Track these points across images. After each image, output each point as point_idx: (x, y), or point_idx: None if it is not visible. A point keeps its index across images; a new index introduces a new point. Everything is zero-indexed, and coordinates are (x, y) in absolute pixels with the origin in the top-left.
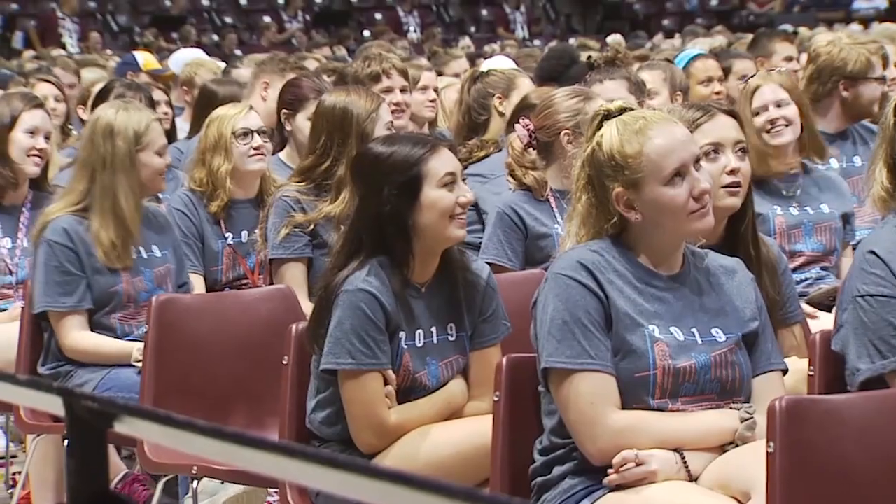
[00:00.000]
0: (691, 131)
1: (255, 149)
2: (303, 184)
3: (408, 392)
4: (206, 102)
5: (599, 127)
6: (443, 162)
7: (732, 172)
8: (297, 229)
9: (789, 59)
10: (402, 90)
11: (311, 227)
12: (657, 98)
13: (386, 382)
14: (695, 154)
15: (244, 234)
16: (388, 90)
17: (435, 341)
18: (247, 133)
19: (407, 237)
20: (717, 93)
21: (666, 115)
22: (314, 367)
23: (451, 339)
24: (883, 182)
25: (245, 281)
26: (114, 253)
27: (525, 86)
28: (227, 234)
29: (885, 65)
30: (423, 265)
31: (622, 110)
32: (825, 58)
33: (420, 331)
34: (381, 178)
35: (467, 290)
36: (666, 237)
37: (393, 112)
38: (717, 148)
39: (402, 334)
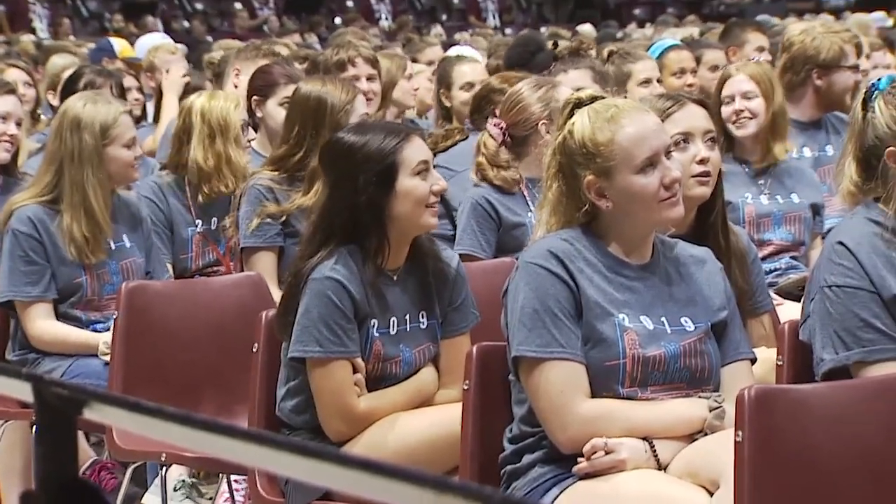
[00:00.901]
0: (662, 121)
1: (248, 141)
2: (276, 173)
3: (379, 380)
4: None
5: (570, 115)
6: (416, 150)
7: (702, 162)
8: (269, 219)
9: (761, 49)
10: (369, 79)
11: (284, 217)
12: None
13: (355, 370)
14: (666, 143)
15: (214, 220)
16: (355, 78)
17: (408, 329)
18: (245, 126)
19: (382, 225)
20: (690, 85)
21: (637, 105)
22: (284, 356)
23: (422, 326)
24: (852, 176)
25: (215, 268)
26: (87, 248)
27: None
28: (197, 222)
29: (859, 54)
30: (395, 253)
31: (593, 99)
32: (798, 46)
33: (394, 318)
34: (355, 167)
35: (437, 278)
36: (636, 226)
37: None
38: (686, 137)
39: (374, 322)
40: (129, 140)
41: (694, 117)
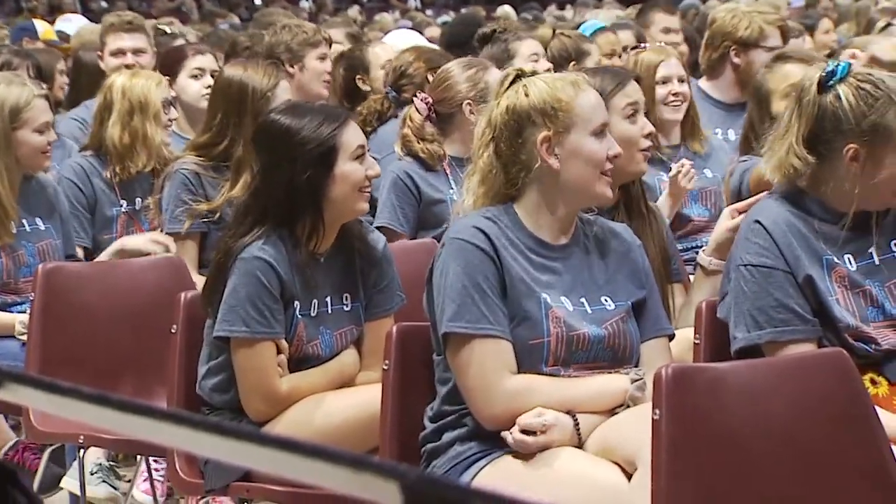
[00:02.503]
0: (615, 93)
1: (170, 120)
2: (201, 159)
3: (300, 361)
4: (83, 71)
5: (511, 85)
6: (354, 134)
7: (648, 136)
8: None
9: (667, 30)
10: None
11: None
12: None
13: (279, 351)
14: (608, 120)
15: (139, 200)
16: (323, 58)
17: (329, 311)
18: (167, 104)
19: (318, 208)
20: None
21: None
22: (207, 334)
23: (345, 308)
24: (801, 154)
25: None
26: None
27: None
28: (122, 201)
29: (785, 38)
30: (326, 236)
31: (534, 74)
32: (718, 23)
33: (315, 300)
34: (293, 148)
35: (363, 260)
36: (566, 200)
37: (325, 82)
38: (636, 110)
39: (297, 304)
40: (42, 125)
41: (638, 91)
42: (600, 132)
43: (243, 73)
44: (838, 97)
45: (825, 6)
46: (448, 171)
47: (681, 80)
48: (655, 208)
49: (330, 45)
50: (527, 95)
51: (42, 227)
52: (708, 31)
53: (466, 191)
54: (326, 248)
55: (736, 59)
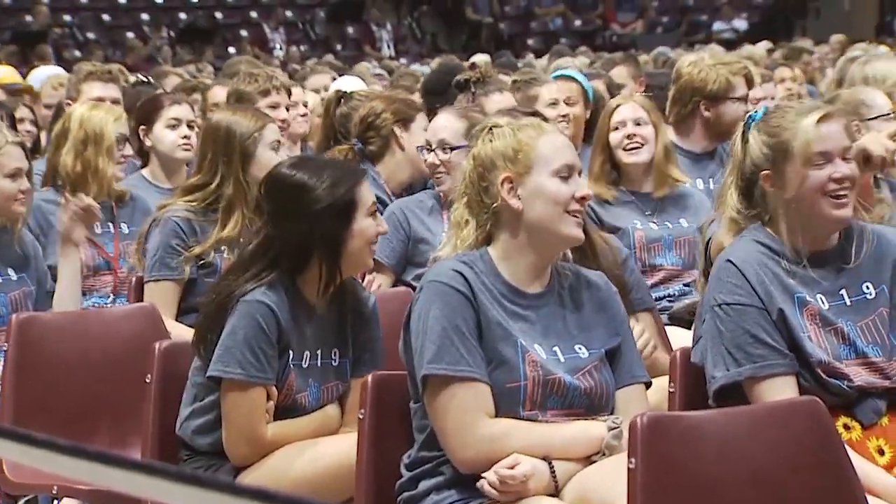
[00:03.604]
0: None
1: (123, 156)
2: (192, 203)
3: (286, 411)
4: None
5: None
6: (369, 191)
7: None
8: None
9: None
10: (288, 107)
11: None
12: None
13: (268, 398)
14: (578, 165)
15: (99, 224)
16: (275, 106)
17: (318, 364)
18: (122, 140)
19: (336, 262)
20: (564, 115)
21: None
22: (193, 373)
23: (333, 363)
24: (734, 205)
25: (104, 273)
26: None
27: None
28: None
29: (750, 85)
30: (333, 290)
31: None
32: (686, 78)
33: (307, 352)
34: (313, 202)
35: (355, 317)
36: (538, 247)
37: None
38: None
39: (291, 353)
40: (14, 171)
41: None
42: (565, 173)
43: (230, 117)
44: (748, 139)
45: (805, 60)
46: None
47: (636, 123)
48: (608, 239)
49: (289, 93)
50: (492, 142)
51: (14, 277)
52: (675, 86)
53: (442, 243)
54: (324, 301)
55: (706, 113)
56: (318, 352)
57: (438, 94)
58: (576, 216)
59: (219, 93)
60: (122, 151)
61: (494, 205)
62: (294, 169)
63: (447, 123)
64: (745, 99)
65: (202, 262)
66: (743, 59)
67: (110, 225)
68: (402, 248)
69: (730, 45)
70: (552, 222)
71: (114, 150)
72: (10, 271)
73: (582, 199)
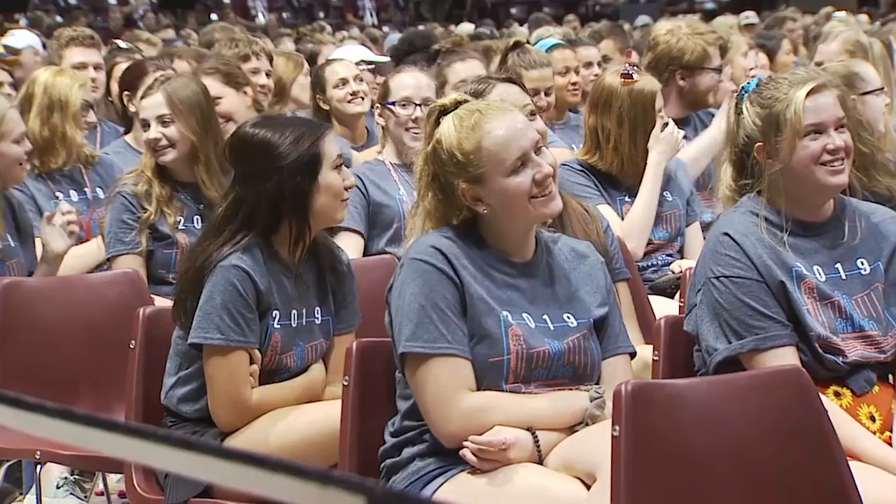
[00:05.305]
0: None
1: (87, 122)
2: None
3: (272, 373)
4: None
5: (437, 123)
6: (333, 144)
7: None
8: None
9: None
10: (268, 74)
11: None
12: None
13: (251, 361)
14: (534, 140)
15: (74, 192)
16: (255, 71)
17: (304, 323)
18: (87, 107)
19: (305, 217)
20: (574, 83)
21: (501, 105)
22: (176, 342)
23: (317, 322)
24: (728, 180)
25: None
26: None
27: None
28: (57, 194)
29: (724, 55)
30: (306, 245)
31: (457, 104)
32: (663, 47)
33: (294, 311)
34: (277, 158)
35: (332, 274)
36: (516, 225)
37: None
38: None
39: (276, 314)
40: (19, 135)
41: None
42: (519, 165)
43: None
44: (742, 111)
45: (789, 27)
46: (395, 176)
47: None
48: (588, 207)
49: (270, 59)
50: (440, 143)
51: (11, 244)
52: (651, 53)
53: (411, 230)
54: (301, 259)
55: (682, 82)
56: (304, 310)
57: (401, 59)
58: (543, 195)
59: (182, 67)
60: (85, 118)
61: (465, 204)
62: (257, 128)
63: (430, 82)
64: (718, 70)
65: (157, 233)
66: (731, 30)
67: (86, 192)
68: (365, 213)
69: (711, 15)
70: (522, 212)
71: (79, 116)
72: (9, 237)
73: (544, 179)
